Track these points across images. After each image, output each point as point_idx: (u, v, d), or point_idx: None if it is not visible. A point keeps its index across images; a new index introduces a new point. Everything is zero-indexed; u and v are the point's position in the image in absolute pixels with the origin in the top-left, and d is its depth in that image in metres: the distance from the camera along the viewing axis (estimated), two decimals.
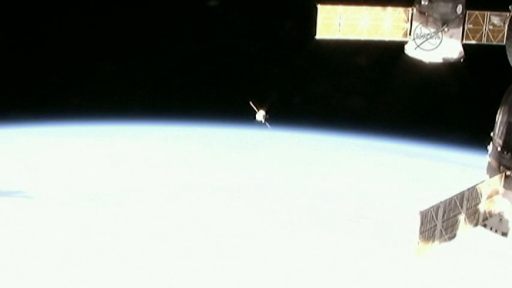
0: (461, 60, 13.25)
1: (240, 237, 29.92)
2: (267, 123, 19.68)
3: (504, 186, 11.58)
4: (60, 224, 30.37)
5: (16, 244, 28.74)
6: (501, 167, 11.62)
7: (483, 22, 13.19)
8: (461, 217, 11.16)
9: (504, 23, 12.94)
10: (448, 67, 13.33)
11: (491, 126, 11.89)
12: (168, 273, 27.29)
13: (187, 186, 34.13)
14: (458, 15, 12.95)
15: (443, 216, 10.92)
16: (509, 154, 11.50)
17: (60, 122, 39.42)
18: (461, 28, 13.13)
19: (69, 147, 38.18)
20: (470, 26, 13.23)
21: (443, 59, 13.08)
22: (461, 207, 11.12)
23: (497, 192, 11.54)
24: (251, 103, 19.53)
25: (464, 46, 13.27)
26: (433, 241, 10.93)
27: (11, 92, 36.66)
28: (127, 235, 29.78)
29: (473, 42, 13.32)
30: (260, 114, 19.88)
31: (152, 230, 30.22)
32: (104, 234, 29.70)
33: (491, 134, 11.91)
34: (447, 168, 35.48)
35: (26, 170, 34.95)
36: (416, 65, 13.24)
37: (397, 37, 13.31)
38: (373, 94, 35.67)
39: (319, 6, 13.17)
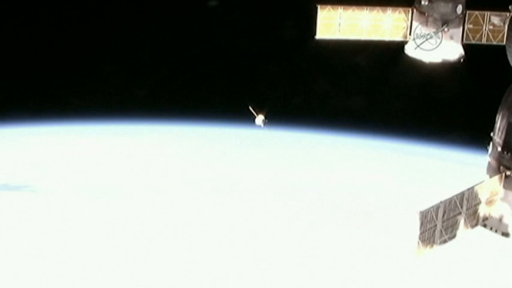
0: (461, 60, 13.25)
1: (241, 235, 29.96)
2: (266, 128, 19.72)
3: (504, 187, 11.57)
4: (64, 217, 30.90)
5: (24, 235, 29.36)
6: (501, 167, 11.61)
7: (483, 22, 13.18)
8: (461, 217, 11.16)
9: (504, 23, 12.93)
10: (448, 67, 13.32)
11: (491, 126, 11.88)
12: (168, 271, 27.31)
13: (187, 186, 34.15)
14: (458, 15, 12.94)
15: (443, 216, 10.91)
16: (509, 154, 11.49)
17: (60, 122, 39.48)
18: (461, 28, 13.12)
19: (70, 146, 38.24)
20: (470, 26, 13.22)
21: (443, 59, 13.07)
22: (461, 207, 11.12)
23: (497, 193, 11.54)
24: (250, 108, 19.57)
25: (464, 46, 13.27)
26: (433, 241, 10.93)
27: (12, 92, 36.70)
28: (128, 233, 29.85)
29: (473, 42, 13.32)
30: (259, 119, 19.93)
31: (152, 229, 30.25)
32: (104, 231, 29.84)
33: (491, 134, 11.90)
34: (447, 168, 35.49)
35: (31, 167, 35.25)
36: (416, 65, 13.24)
37: (397, 37, 13.31)
38: (373, 94, 35.69)
39: (319, 6, 13.18)
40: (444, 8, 12.82)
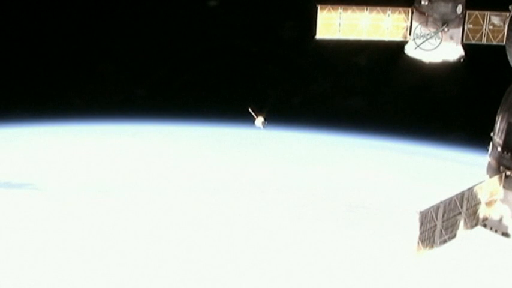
0: (461, 60, 13.27)
1: (241, 234, 29.99)
2: (266, 129, 19.71)
3: (504, 187, 11.57)
4: (65, 216, 31.10)
5: (26, 232, 29.57)
6: (501, 167, 11.62)
7: (483, 22, 13.20)
8: (461, 217, 11.17)
9: (504, 23, 12.95)
10: (448, 67, 13.33)
11: (491, 126, 11.89)
12: (168, 271, 27.32)
13: (187, 185, 34.16)
14: (458, 15, 12.97)
15: (443, 216, 10.92)
16: (509, 154, 11.50)
17: (60, 122, 39.50)
18: (461, 28, 13.15)
19: (70, 146, 38.27)
20: (470, 26, 13.24)
21: (443, 59, 13.09)
22: (461, 207, 11.12)
23: (497, 193, 11.54)
24: (250, 110, 19.56)
25: (464, 46, 13.28)
26: (433, 241, 10.94)
27: (12, 92, 36.71)
28: (128, 232, 29.89)
29: (473, 42, 13.33)
30: (259, 121, 19.93)
31: (153, 228, 30.27)
32: (104, 230, 29.92)
33: (491, 134, 11.91)
34: (447, 168, 35.49)
35: (32, 166, 35.37)
36: (416, 65, 13.25)
37: (397, 37, 13.33)
38: (373, 94, 35.69)
39: (319, 7, 13.20)
40: (444, 8, 12.84)
